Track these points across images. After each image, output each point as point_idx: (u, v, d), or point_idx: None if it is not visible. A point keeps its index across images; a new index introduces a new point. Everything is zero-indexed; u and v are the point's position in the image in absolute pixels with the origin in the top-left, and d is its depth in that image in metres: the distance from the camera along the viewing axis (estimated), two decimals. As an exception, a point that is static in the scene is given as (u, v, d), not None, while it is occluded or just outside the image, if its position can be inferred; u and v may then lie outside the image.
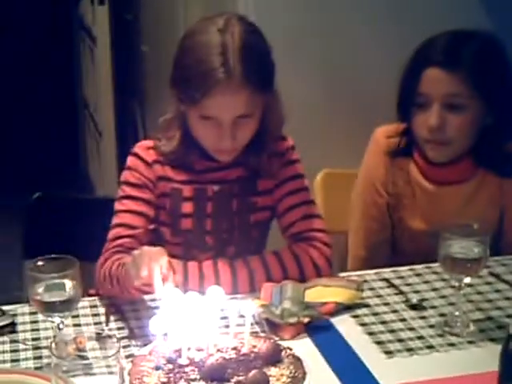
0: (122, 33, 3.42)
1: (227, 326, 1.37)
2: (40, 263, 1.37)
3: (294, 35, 2.39)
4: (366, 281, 1.69)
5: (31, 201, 1.85)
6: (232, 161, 1.68)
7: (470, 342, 1.46)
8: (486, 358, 1.39)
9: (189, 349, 1.30)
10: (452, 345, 1.46)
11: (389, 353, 1.43)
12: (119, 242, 1.64)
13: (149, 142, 1.72)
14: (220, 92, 1.56)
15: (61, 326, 1.36)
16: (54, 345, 1.20)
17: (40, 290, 1.34)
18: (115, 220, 1.68)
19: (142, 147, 1.72)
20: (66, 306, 1.35)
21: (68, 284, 1.35)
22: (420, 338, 1.48)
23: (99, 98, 3.40)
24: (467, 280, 1.48)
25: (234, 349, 1.32)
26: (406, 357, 1.42)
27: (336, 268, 1.78)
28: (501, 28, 2.19)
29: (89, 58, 3.63)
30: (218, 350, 1.31)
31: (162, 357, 1.29)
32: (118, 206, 1.69)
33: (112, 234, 1.66)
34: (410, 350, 1.44)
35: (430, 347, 1.45)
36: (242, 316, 1.35)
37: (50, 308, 1.35)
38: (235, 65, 1.56)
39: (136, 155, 1.71)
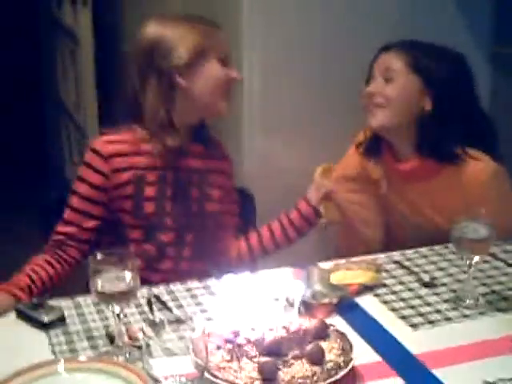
0: (105, 34, 3.51)
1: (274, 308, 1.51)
2: (99, 257, 1.49)
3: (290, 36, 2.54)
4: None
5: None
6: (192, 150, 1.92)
7: (481, 313, 1.65)
8: (496, 325, 1.58)
9: (243, 329, 1.44)
10: (466, 316, 1.64)
11: (414, 326, 1.60)
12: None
13: (107, 137, 1.86)
14: None
15: (121, 315, 1.48)
16: (126, 332, 1.32)
17: (101, 281, 1.46)
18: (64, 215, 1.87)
19: (99, 142, 1.86)
20: (127, 296, 1.47)
21: (128, 275, 1.47)
22: (437, 311, 1.65)
23: (82, 98, 3.47)
24: (476, 259, 1.66)
25: (284, 327, 1.46)
26: (429, 328, 1.59)
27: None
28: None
29: (68, 58, 3.68)
30: (270, 329, 1.45)
31: (220, 338, 1.43)
32: (68, 200, 1.88)
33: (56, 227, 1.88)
34: (431, 322, 1.61)
35: (448, 319, 1.63)
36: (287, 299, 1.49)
37: (111, 298, 1.47)
38: None
39: (93, 150, 1.85)
